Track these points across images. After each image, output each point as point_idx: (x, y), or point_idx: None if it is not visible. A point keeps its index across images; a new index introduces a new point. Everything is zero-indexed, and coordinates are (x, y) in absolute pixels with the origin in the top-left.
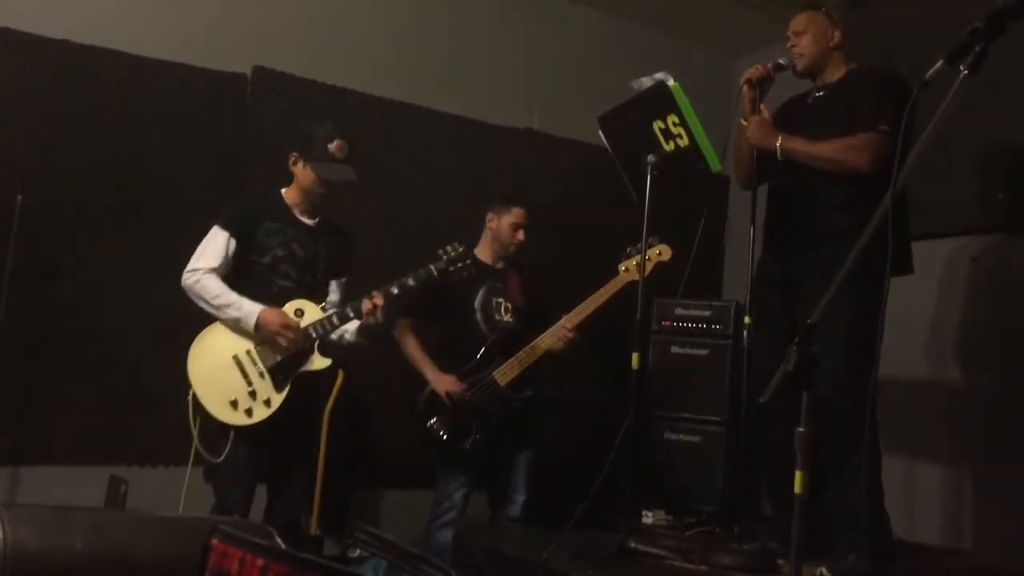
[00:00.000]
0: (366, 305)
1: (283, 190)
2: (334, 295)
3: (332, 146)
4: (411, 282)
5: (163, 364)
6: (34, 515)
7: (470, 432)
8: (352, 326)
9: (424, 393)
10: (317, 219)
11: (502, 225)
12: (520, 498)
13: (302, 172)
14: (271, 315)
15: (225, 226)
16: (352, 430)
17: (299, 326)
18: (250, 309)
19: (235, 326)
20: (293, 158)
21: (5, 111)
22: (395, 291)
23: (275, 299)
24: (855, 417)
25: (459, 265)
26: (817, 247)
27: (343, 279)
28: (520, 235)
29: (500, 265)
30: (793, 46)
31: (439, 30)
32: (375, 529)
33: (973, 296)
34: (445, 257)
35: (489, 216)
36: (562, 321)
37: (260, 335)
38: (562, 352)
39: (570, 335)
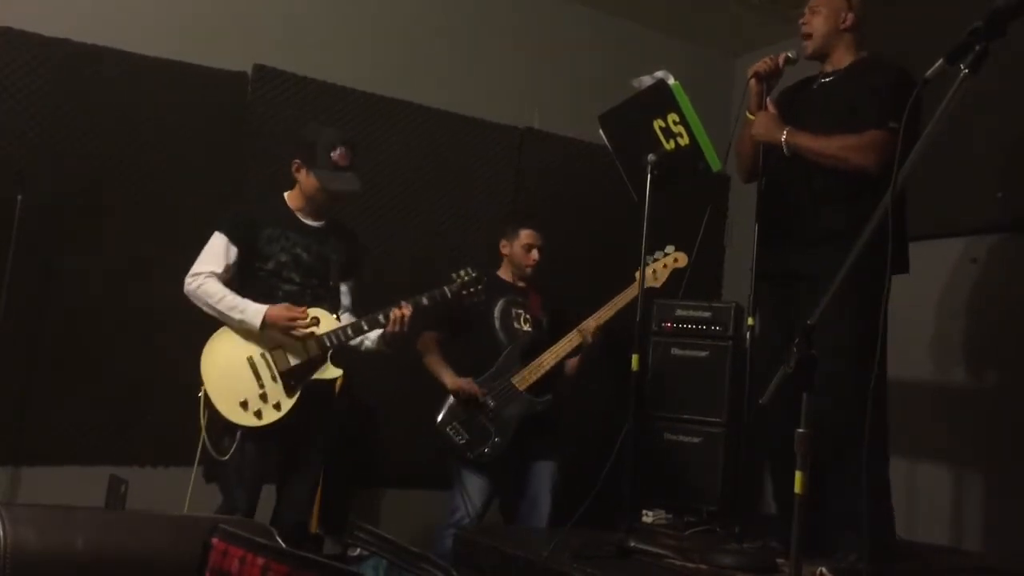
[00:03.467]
0: (395, 313)
1: (286, 193)
2: (345, 298)
3: (335, 155)
4: (424, 301)
5: (163, 364)
6: (34, 515)
7: (489, 436)
8: (373, 334)
9: (446, 401)
10: (323, 221)
11: (515, 250)
12: (547, 511)
13: (306, 179)
14: (276, 310)
15: (225, 231)
16: (352, 430)
17: (307, 314)
18: (255, 310)
19: (241, 329)
20: (296, 164)
21: (5, 110)
22: (420, 303)
23: (278, 304)
24: (856, 417)
25: (472, 290)
26: (816, 244)
27: (351, 282)
28: (534, 255)
29: (521, 284)
30: (804, 23)
31: (439, 29)
32: (375, 528)
33: (973, 296)
34: (458, 281)
35: (502, 243)
36: (586, 321)
37: (269, 334)
38: (574, 362)
39: (590, 338)
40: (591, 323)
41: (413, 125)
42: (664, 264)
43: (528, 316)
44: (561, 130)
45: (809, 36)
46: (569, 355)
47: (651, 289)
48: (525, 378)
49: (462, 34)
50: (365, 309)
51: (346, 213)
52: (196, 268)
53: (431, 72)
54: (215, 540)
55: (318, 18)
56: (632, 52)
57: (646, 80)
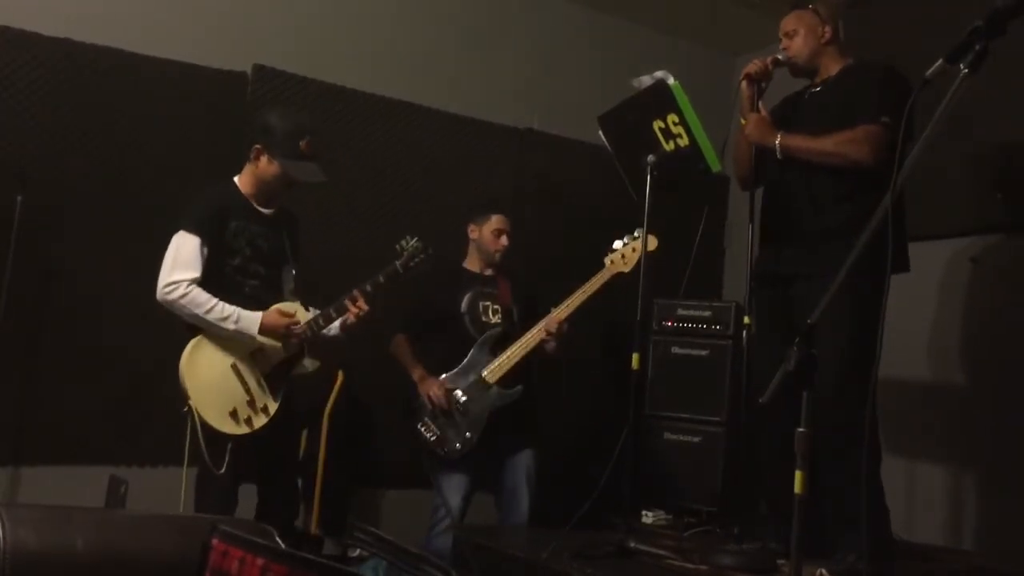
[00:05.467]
0: (352, 309)
1: (236, 179)
2: (289, 283)
3: (303, 144)
4: (381, 279)
5: (163, 364)
6: (34, 515)
7: (461, 432)
8: (336, 323)
9: (418, 399)
10: (274, 208)
11: (484, 234)
12: (526, 503)
13: (267, 166)
14: (274, 318)
15: (195, 231)
16: (352, 430)
17: (299, 321)
18: (250, 319)
19: (225, 337)
20: (257, 150)
21: (5, 110)
22: (369, 288)
23: (249, 299)
24: (854, 417)
25: (420, 258)
26: (814, 243)
27: (295, 264)
28: (503, 240)
29: (489, 272)
30: (785, 48)
31: (439, 29)
32: (375, 529)
33: (972, 296)
34: (405, 253)
35: (471, 228)
36: (551, 315)
37: (256, 341)
38: (552, 346)
39: (556, 328)
40: (559, 314)
41: (413, 126)
42: (633, 248)
43: (497, 307)
44: (561, 130)
45: (795, 57)
46: (538, 346)
47: (620, 274)
48: (495, 371)
49: (462, 35)
50: None
51: (345, 214)
52: (173, 275)
53: (431, 73)
54: (215, 541)
55: (318, 18)
56: (632, 52)
57: (646, 80)
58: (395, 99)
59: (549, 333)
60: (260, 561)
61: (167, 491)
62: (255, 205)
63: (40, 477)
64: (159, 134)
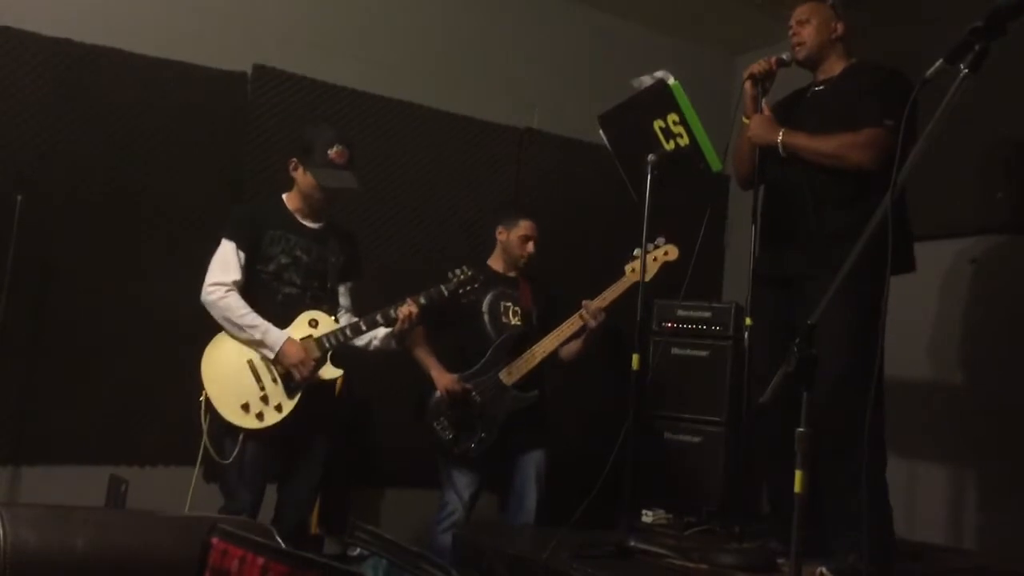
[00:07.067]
0: (404, 312)
1: (284, 195)
2: (344, 299)
3: (332, 152)
4: (422, 300)
5: (164, 363)
6: (34, 515)
7: (475, 432)
8: (380, 332)
9: (433, 395)
10: (322, 223)
11: (511, 238)
12: (533, 502)
13: (302, 178)
14: (294, 349)
15: (231, 237)
16: (352, 430)
17: (315, 362)
18: (276, 337)
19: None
20: (293, 163)
21: (5, 110)
22: (418, 302)
23: (281, 306)
24: (855, 417)
25: (468, 288)
26: (816, 245)
27: (350, 283)
28: (530, 247)
29: (512, 274)
30: (794, 34)
31: (439, 29)
32: (375, 528)
33: (973, 297)
34: (455, 280)
35: (499, 230)
36: (588, 303)
37: (275, 360)
38: (580, 345)
39: (593, 321)
40: (595, 304)
41: (413, 125)
42: (654, 257)
43: (518, 308)
44: (561, 130)
45: (801, 45)
46: (564, 343)
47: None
48: (512, 373)
49: (462, 34)
50: (364, 309)
51: (345, 213)
52: (216, 278)
53: (431, 72)
54: (215, 540)
55: (318, 18)
56: (632, 52)
57: (646, 80)
58: (395, 99)
59: (593, 316)
60: (260, 560)
61: (168, 491)
62: (299, 218)
63: (40, 477)
64: (159, 134)
